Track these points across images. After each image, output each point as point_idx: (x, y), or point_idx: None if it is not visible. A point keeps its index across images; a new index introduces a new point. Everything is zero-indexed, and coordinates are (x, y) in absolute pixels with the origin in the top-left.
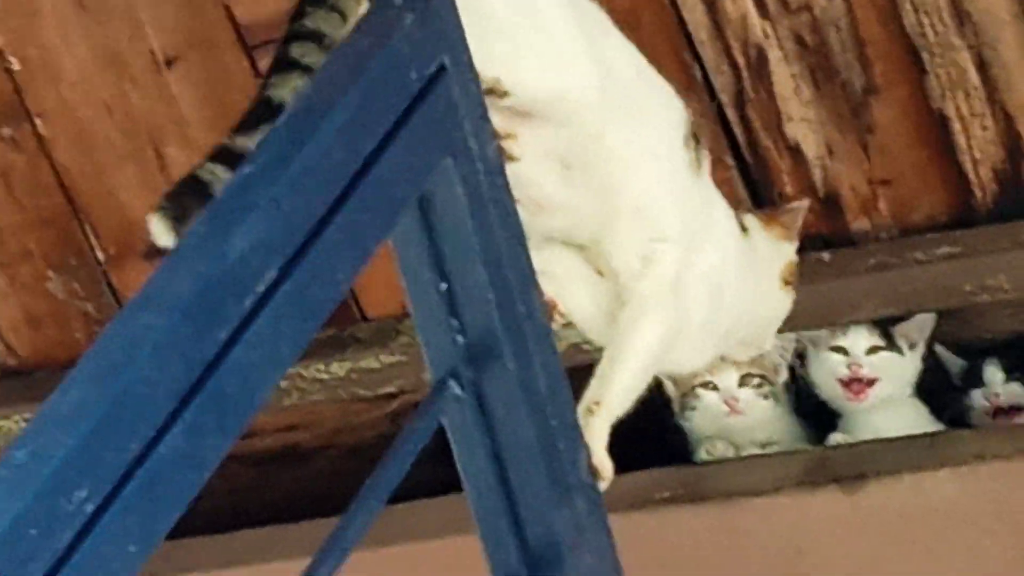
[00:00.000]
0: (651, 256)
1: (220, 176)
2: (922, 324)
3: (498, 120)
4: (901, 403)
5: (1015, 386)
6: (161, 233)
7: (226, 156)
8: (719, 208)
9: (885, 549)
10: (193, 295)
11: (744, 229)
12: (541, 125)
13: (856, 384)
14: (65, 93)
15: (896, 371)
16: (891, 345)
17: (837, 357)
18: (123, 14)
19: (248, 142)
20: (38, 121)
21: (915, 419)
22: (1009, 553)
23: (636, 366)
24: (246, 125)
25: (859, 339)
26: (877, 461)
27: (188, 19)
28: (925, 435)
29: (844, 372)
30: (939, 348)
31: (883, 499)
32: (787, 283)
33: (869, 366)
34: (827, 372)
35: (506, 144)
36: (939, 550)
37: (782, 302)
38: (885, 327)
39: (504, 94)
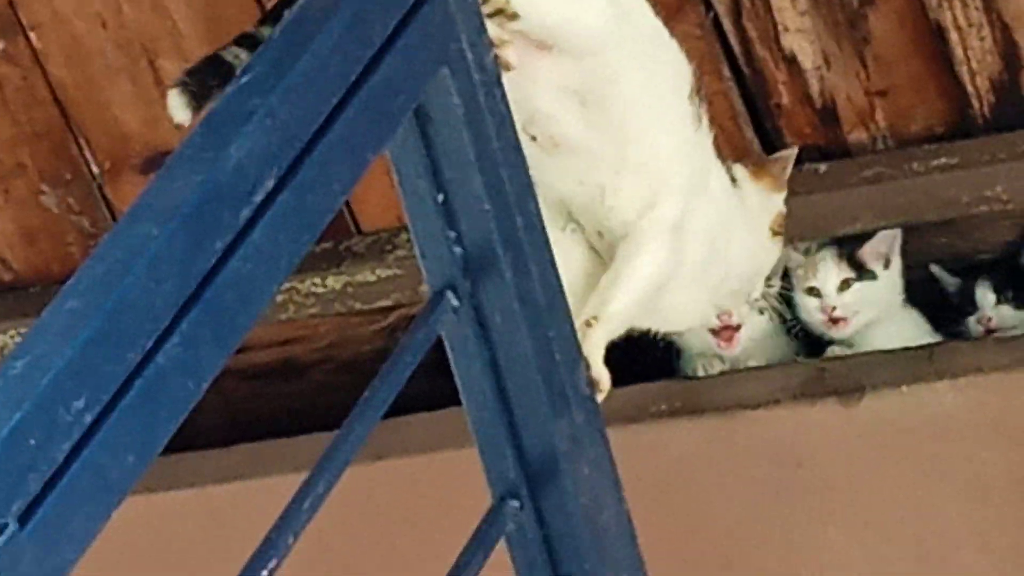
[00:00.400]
0: (654, 202)
1: (244, 60)
2: (887, 240)
3: (493, 28)
4: (896, 316)
5: (1006, 308)
6: (178, 108)
7: (251, 42)
8: (713, 163)
9: (883, 461)
10: (190, 206)
11: (733, 180)
12: (558, 56)
13: (837, 321)
14: (59, 6)
15: (873, 297)
16: (862, 273)
17: (812, 300)
18: None
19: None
20: (32, 34)
21: (912, 330)
22: (1007, 465)
23: (634, 288)
24: (272, 16)
25: (829, 276)
26: (875, 373)
27: None
28: (923, 347)
29: (820, 316)
30: (934, 267)
31: (881, 411)
32: (776, 233)
33: (842, 306)
34: (807, 313)
35: (501, 52)
36: (937, 462)
37: (771, 252)
38: (853, 254)
39: (513, 15)
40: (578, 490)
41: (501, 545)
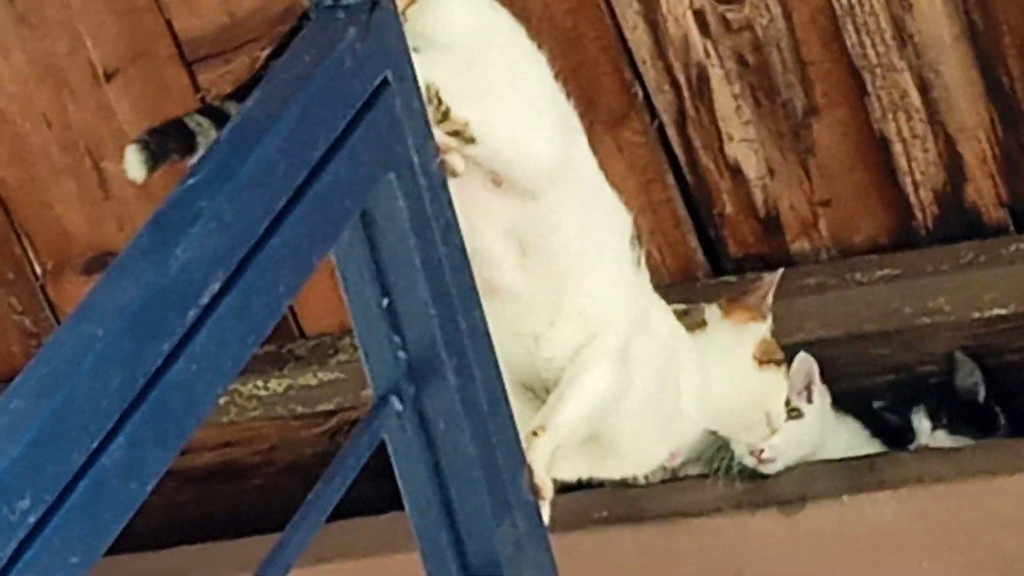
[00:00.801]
0: (595, 333)
1: (206, 129)
2: (803, 372)
3: (440, 135)
4: (832, 430)
5: (941, 434)
6: (134, 164)
7: (214, 113)
8: (653, 303)
9: (824, 571)
10: (135, 307)
11: (703, 323)
12: (505, 195)
13: (765, 460)
14: (3, 104)
15: (802, 434)
16: (787, 414)
17: (740, 446)
18: (63, 26)
19: (236, 108)
20: None
21: (851, 440)
22: (942, 572)
23: (581, 403)
24: (238, 94)
25: None
26: (815, 483)
27: (128, 32)
28: (864, 457)
29: (751, 460)
30: (876, 405)
31: (822, 521)
32: (764, 362)
33: (770, 448)
34: (737, 448)
35: (448, 157)
36: (878, 573)
37: (768, 381)
38: None
39: (470, 140)
40: None
41: None
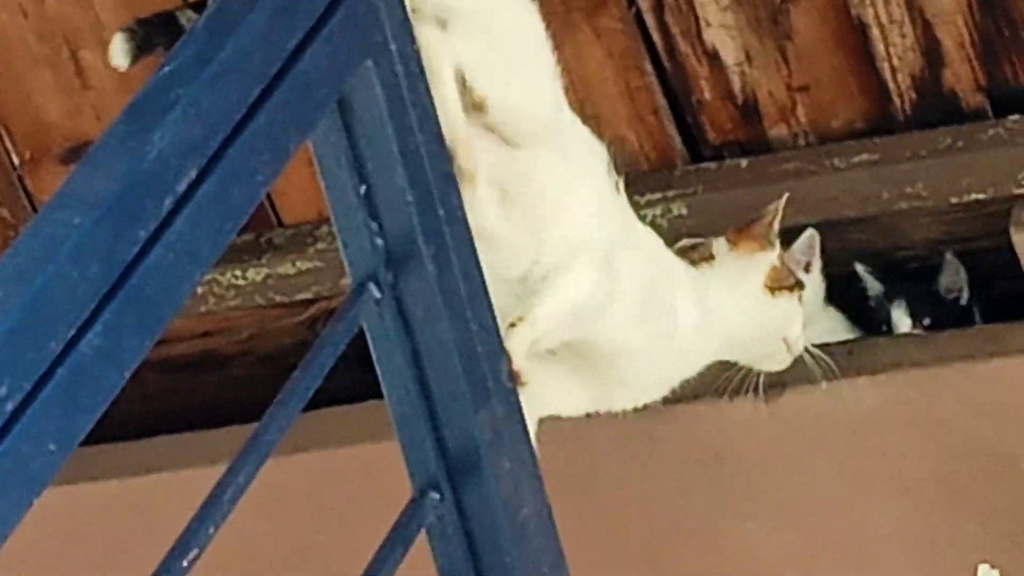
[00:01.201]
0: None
1: None
2: (806, 244)
3: (450, 134)
4: (817, 315)
5: (919, 332)
6: (119, 52)
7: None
8: (642, 230)
9: (802, 457)
10: (113, 194)
11: (710, 256)
12: (498, 145)
13: None
14: None
15: (804, 306)
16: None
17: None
18: None
19: None
20: None
21: (833, 328)
22: (926, 460)
23: (562, 298)
24: None
25: None
26: (795, 369)
27: None
28: (843, 343)
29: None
30: (859, 267)
31: (801, 407)
32: (776, 289)
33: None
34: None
35: (464, 162)
36: (857, 457)
37: (782, 308)
38: None
39: (483, 109)
40: (499, 483)
41: (422, 538)
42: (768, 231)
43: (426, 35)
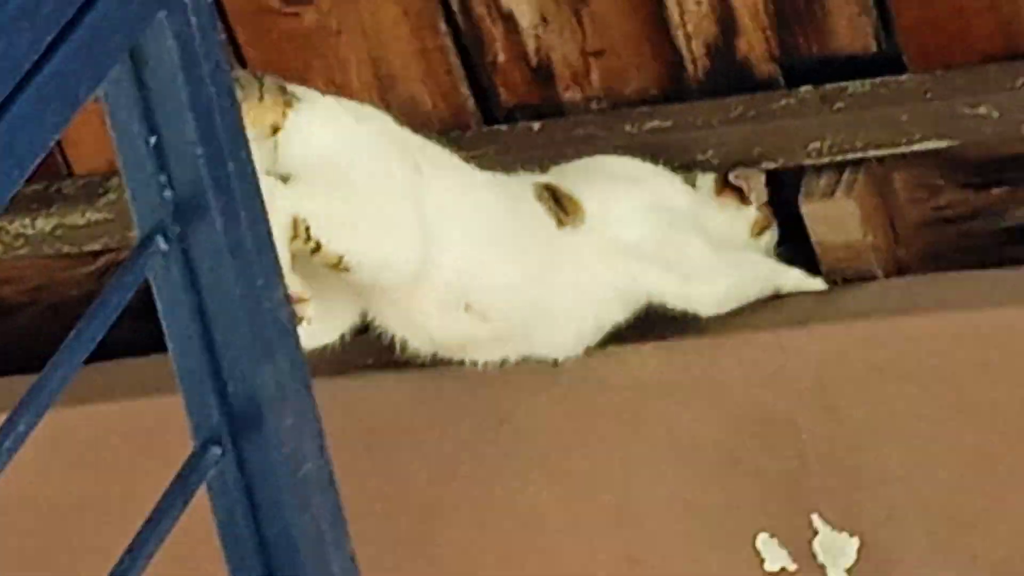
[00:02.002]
0: None
1: None
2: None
3: (295, 284)
4: None
5: None
6: None
7: None
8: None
9: (587, 421)
10: None
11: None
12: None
13: None
14: None
15: None
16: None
17: None
18: None
19: None
20: None
21: None
22: (707, 429)
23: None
24: None
25: None
26: None
27: None
28: None
29: None
30: None
31: (587, 371)
32: (758, 234)
33: None
34: None
35: (298, 308)
36: (639, 424)
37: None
38: None
39: (345, 270)
40: (281, 439)
41: (204, 494)
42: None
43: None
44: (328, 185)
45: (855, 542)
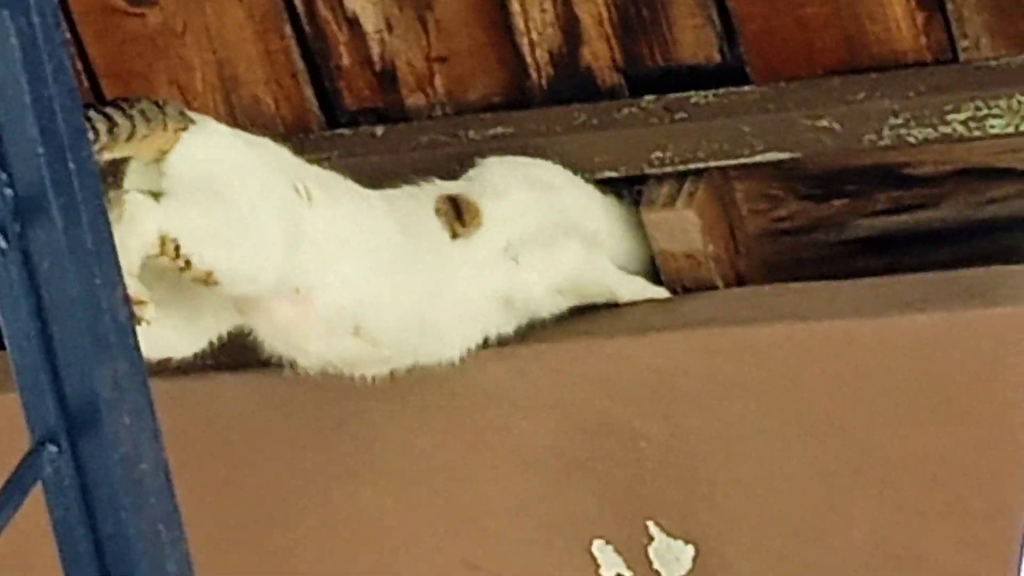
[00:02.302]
0: None
1: None
2: None
3: (134, 287)
4: None
5: None
6: None
7: None
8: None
9: (427, 425)
10: None
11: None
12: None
13: None
14: None
15: None
16: None
17: None
18: None
19: None
20: None
21: None
22: (547, 436)
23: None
24: None
25: None
26: None
27: None
28: None
29: None
30: None
31: (426, 376)
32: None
33: None
34: None
35: (137, 309)
36: (480, 430)
37: None
38: None
39: (215, 283)
40: (118, 438)
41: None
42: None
43: (134, 200)
44: (202, 202)
45: (690, 550)
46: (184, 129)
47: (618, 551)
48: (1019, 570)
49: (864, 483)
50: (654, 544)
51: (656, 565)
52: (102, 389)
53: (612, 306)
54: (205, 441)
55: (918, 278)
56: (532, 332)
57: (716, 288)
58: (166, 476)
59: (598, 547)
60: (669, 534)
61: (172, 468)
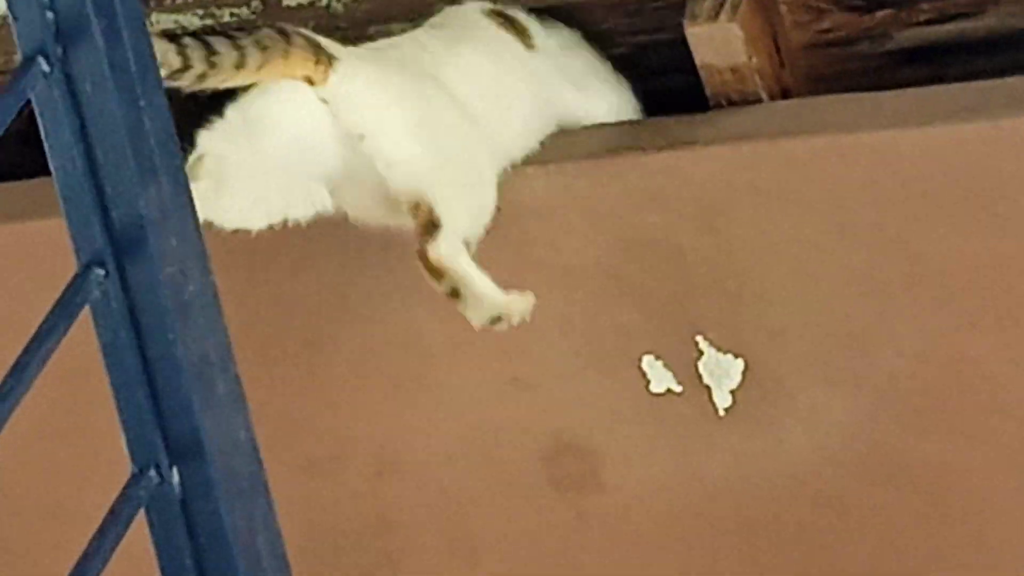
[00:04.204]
0: None
1: None
2: None
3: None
4: None
5: None
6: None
7: None
8: None
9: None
10: None
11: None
12: None
13: None
14: None
15: None
16: None
17: None
18: None
19: None
20: None
21: None
22: (592, 251)
23: None
24: None
25: None
26: None
27: None
28: None
29: None
30: None
31: None
32: None
33: None
34: None
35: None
36: (524, 245)
37: None
38: None
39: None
40: (165, 260)
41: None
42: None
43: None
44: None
45: (740, 364)
46: (319, 63)
47: (668, 366)
48: None
49: (912, 293)
50: (703, 359)
51: (706, 379)
52: (147, 211)
53: (655, 122)
54: (252, 264)
55: (962, 87)
56: (576, 146)
57: (761, 101)
58: (214, 298)
59: (647, 362)
60: (719, 348)
61: (219, 290)
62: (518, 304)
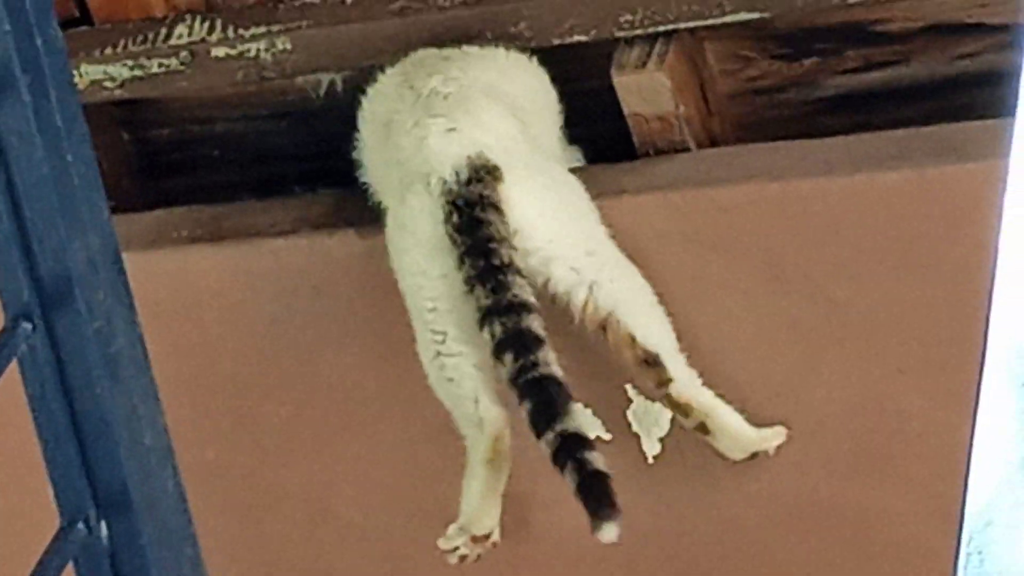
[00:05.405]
0: None
1: None
2: None
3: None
4: None
5: None
6: None
7: None
8: None
9: (392, 288)
10: None
11: None
12: None
13: None
14: None
15: None
16: None
17: None
18: None
19: None
20: None
21: None
22: None
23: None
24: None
25: None
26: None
27: None
28: None
29: None
30: None
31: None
32: None
33: None
34: None
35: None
36: None
37: None
38: None
39: None
40: (92, 314)
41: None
42: None
43: None
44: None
45: (668, 412)
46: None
47: (596, 414)
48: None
49: (838, 339)
50: (633, 406)
51: (635, 428)
52: (75, 265)
53: (582, 169)
54: (181, 314)
55: (889, 135)
56: None
57: (688, 150)
58: (142, 350)
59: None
60: (648, 397)
61: (148, 342)
62: (773, 439)
